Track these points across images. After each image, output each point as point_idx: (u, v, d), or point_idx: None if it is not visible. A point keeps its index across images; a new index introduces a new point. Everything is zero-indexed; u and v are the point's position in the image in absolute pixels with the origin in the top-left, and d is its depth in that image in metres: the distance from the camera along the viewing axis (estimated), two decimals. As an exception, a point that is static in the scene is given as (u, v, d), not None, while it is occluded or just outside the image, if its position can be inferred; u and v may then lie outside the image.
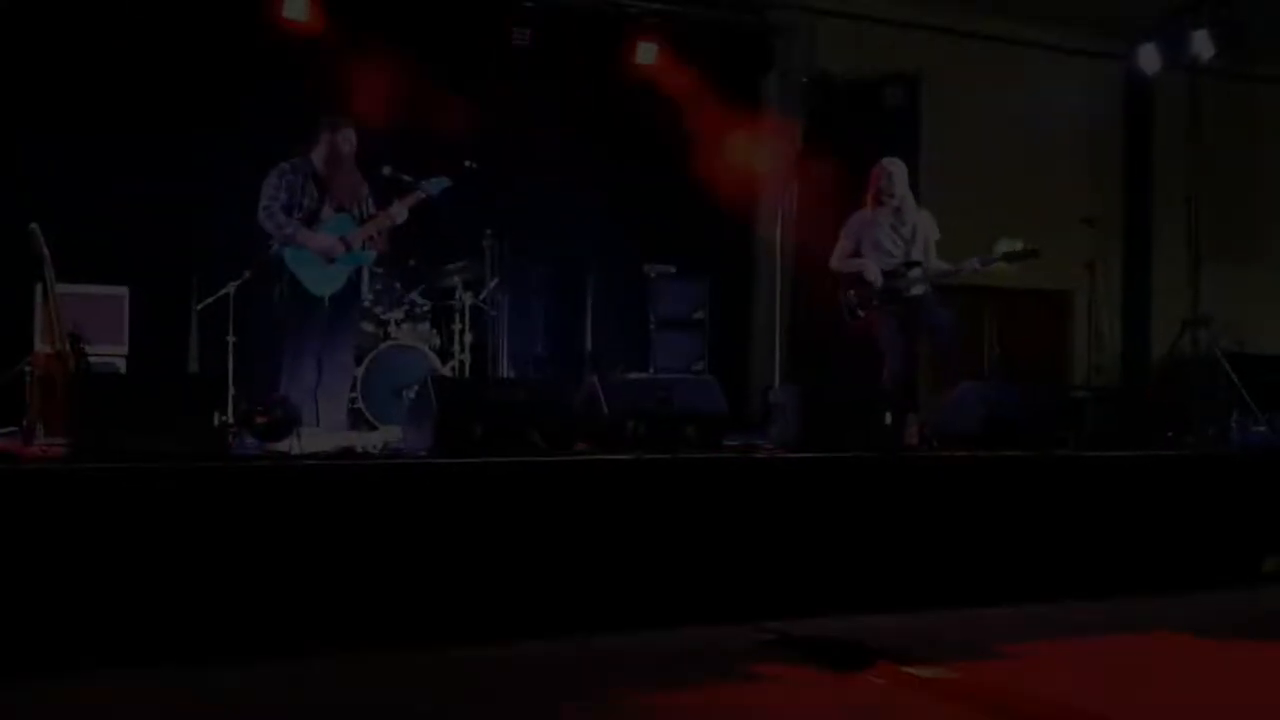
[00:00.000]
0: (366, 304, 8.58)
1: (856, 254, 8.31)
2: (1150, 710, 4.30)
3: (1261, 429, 8.42)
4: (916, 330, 8.20)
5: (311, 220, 7.36)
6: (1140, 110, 13.45)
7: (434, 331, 8.92)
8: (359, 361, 8.26)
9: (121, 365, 8.27)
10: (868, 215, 8.35)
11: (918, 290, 8.20)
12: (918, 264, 8.21)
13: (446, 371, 8.56)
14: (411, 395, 7.28)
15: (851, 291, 8.27)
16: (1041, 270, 13.04)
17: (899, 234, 8.29)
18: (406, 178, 7.57)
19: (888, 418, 6.57)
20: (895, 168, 8.32)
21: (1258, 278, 13.46)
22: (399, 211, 7.54)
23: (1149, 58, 10.42)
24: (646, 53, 10.80)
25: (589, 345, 10.51)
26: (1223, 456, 7.41)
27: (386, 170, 7.71)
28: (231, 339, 8.10)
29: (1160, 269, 13.18)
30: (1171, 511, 6.74)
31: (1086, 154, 13.44)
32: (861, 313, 8.24)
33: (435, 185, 7.61)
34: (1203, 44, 9.66)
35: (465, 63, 10.05)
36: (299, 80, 9.28)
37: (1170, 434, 8.44)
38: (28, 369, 6.50)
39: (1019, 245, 8.27)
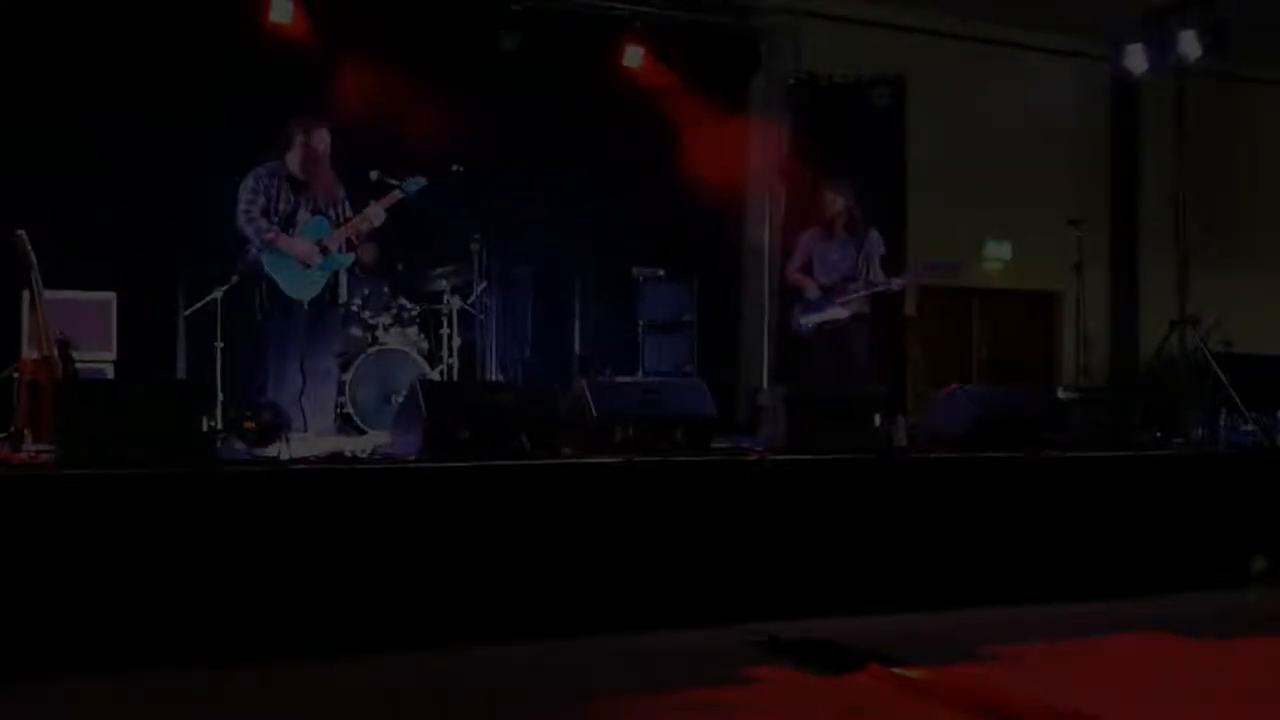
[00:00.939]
0: (355, 308, 8.57)
1: (806, 268, 8.89)
2: (1139, 711, 4.31)
3: (1250, 429, 8.42)
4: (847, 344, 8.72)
5: (288, 224, 7.33)
6: (1126, 111, 13.48)
7: (422, 335, 8.91)
8: (348, 366, 8.25)
9: (109, 371, 8.25)
10: (819, 234, 8.92)
11: (847, 306, 8.68)
12: (854, 279, 8.72)
13: (435, 375, 8.55)
14: (400, 399, 7.27)
15: (796, 307, 8.91)
16: (1029, 271, 13.15)
17: (845, 252, 8.77)
18: (393, 180, 7.54)
19: (877, 419, 6.57)
20: (845, 192, 8.84)
21: (1245, 277, 13.50)
22: (376, 213, 7.50)
23: (1135, 59, 10.44)
24: (633, 56, 10.80)
25: (577, 348, 10.50)
26: (1211, 456, 7.42)
27: (374, 174, 7.69)
28: (219, 344, 8.09)
29: (1147, 269, 13.21)
30: (1160, 512, 6.75)
31: (1073, 155, 13.48)
32: (804, 323, 8.81)
33: (412, 185, 7.58)
34: (1189, 45, 9.68)
35: (453, 66, 10.04)
36: (286, 84, 9.27)
37: (1158, 434, 8.45)
38: (15, 375, 6.48)
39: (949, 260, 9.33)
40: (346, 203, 7.61)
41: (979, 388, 8.16)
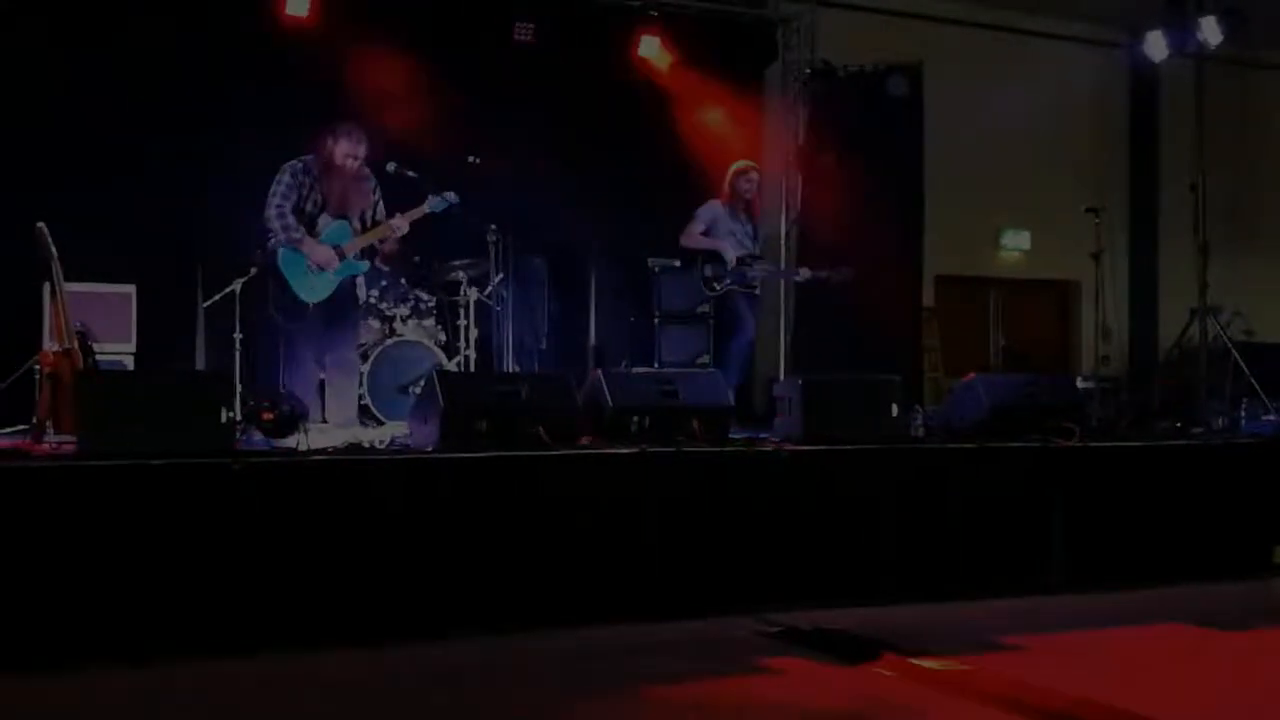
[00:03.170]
0: (372, 300, 8.58)
1: (707, 235, 9.41)
2: (1159, 700, 4.30)
3: (1271, 417, 8.38)
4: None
5: (311, 225, 7.33)
6: (1145, 98, 13.43)
7: (439, 327, 8.93)
8: (366, 357, 8.26)
9: (129, 363, 8.29)
10: (720, 206, 9.47)
11: (756, 278, 9.39)
12: (760, 259, 9.51)
13: (452, 367, 8.56)
14: (417, 391, 7.29)
15: (708, 267, 9.29)
16: (1047, 260, 13.11)
17: (745, 230, 9.46)
18: (410, 173, 7.54)
19: (894, 409, 6.55)
20: (755, 172, 9.53)
21: (1266, 265, 13.45)
22: (400, 225, 7.51)
23: (1155, 45, 10.40)
24: (649, 46, 10.79)
25: (593, 340, 10.50)
26: (1232, 446, 7.38)
27: (391, 167, 7.71)
28: (238, 336, 8.13)
29: (1167, 258, 13.17)
30: (1179, 502, 6.73)
31: (1091, 143, 13.44)
32: (718, 286, 9.28)
33: (440, 204, 7.60)
34: (1209, 31, 9.64)
35: (468, 57, 10.04)
36: (301, 77, 9.29)
37: (1178, 423, 8.42)
38: (36, 367, 6.52)
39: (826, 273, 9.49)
40: (378, 206, 7.59)
41: (997, 377, 8.13)
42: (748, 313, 9.40)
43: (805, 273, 9.65)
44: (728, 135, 10.95)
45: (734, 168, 9.58)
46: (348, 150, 7.35)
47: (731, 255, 9.26)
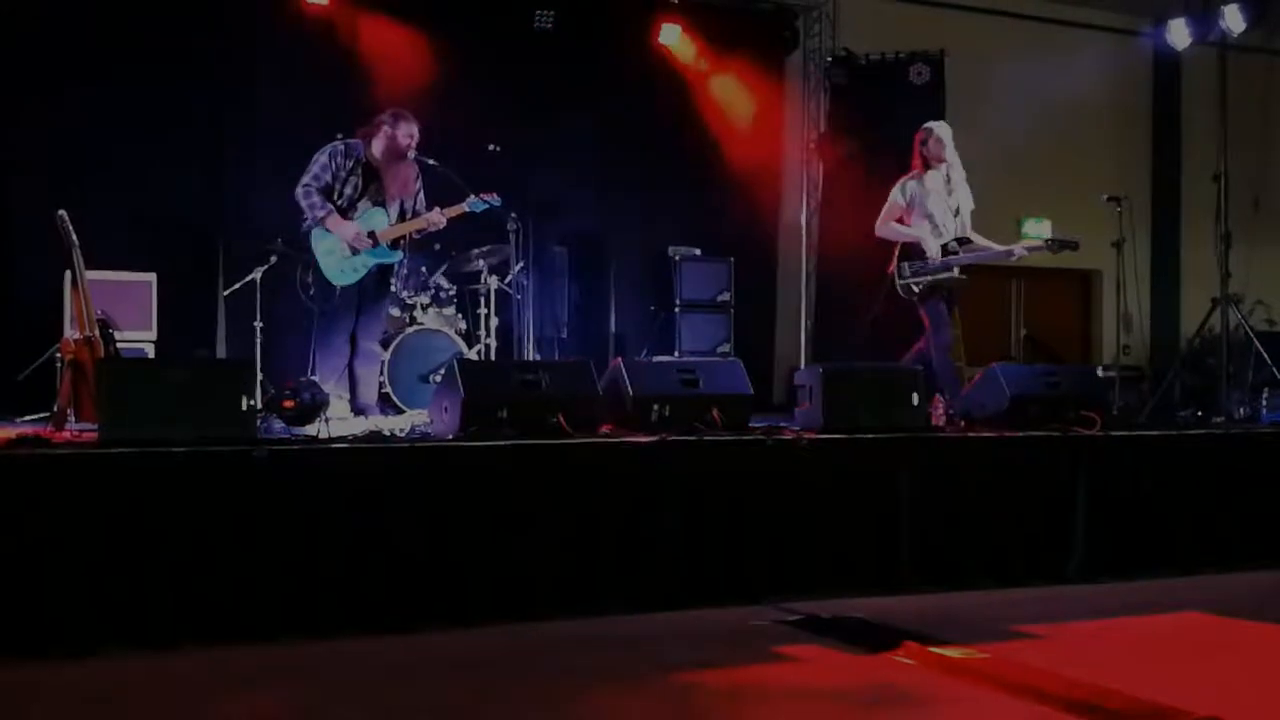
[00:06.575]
0: (394, 288, 8.59)
1: (902, 223, 7.87)
2: (1178, 689, 4.29)
3: (1293, 407, 8.35)
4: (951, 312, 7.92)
5: (348, 209, 7.28)
6: (1168, 87, 13.37)
7: (459, 315, 8.94)
8: (386, 345, 8.27)
9: (150, 351, 8.33)
10: (921, 181, 7.90)
11: (958, 271, 7.81)
12: (967, 240, 7.87)
13: (472, 355, 8.57)
14: (438, 379, 7.29)
15: (906, 264, 7.85)
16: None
17: (948, 204, 7.89)
18: (431, 161, 7.53)
19: (915, 398, 6.53)
20: (944, 131, 7.90)
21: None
22: (437, 220, 7.46)
23: (1178, 33, 10.36)
24: (670, 34, 10.79)
25: (614, 328, 10.52)
26: (1253, 436, 7.35)
27: (411, 154, 7.70)
28: (258, 324, 8.16)
29: (1189, 247, 13.10)
30: (1200, 492, 6.70)
31: (1114, 131, 13.38)
32: (917, 288, 7.79)
33: (479, 205, 7.56)
34: (1232, 19, 9.60)
35: (488, 45, 10.05)
36: (322, 66, 9.31)
37: (1199, 413, 8.38)
38: (58, 355, 6.55)
39: (1050, 236, 8.13)
40: (420, 196, 7.54)
41: (1018, 366, 8.09)
42: (942, 311, 7.81)
43: (1020, 250, 7.94)
44: (748, 123, 10.94)
45: (918, 134, 7.99)
46: (408, 131, 7.29)
47: (934, 245, 7.71)
